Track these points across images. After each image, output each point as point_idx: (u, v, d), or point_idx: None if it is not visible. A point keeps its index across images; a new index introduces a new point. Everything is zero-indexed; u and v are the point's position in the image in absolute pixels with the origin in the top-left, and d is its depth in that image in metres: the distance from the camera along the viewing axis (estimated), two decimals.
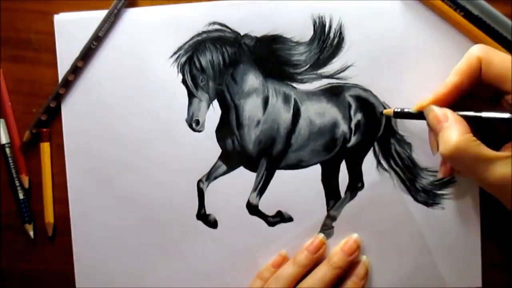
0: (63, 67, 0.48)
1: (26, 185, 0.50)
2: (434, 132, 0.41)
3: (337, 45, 0.47)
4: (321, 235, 0.48)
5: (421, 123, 0.46)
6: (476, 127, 0.40)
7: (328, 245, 0.48)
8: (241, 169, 0.49)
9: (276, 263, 0.48)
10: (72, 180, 0.50)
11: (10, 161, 0.50)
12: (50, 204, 0.50)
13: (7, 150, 0.50)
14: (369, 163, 0.48)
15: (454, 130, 0.38)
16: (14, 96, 0.50)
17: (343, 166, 0.48)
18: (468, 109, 0.40)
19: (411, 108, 0.43)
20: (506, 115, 0.39)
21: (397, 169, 0.48)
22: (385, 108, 0.47)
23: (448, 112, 0.40)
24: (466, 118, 0.40)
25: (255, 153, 0.48)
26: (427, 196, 0.48)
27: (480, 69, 0.40)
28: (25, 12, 0.49)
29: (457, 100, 0.41)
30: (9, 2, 0.49)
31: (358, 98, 0.48)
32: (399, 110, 0.45)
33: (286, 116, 0.48)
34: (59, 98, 0.49)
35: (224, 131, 0.48)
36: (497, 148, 0.39)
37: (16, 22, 0.49)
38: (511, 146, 0.39)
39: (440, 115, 0.40)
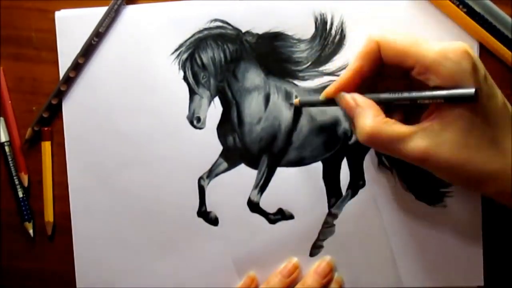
0: (64, 63, 0.48)
1: (25, 183, 0.50)
2: (349, 117, 0.41)
3: (338, 43, 0.47)
4: (295, 259, 0.48)
5: None
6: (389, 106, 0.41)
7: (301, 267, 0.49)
8: (242, 166, 0.48)
9: (245, 285, 0.48)
10: (73, 177, 0.49)
11: (10, 159, 0.50)
12: (50, 203, 0.50)
13: (7, 149, 0.50)
14: (370, 160, 0.48)
15: (365, 116, 0.39)
16: (14, 94, 0.50)
17: (344, 164, 0.48)
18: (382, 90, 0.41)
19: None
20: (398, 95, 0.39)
21: (399, 166, 0.48)
22: None
23: (356, 96, 0.40)
24: (377, 100, 0.40)
25: (256, 150, 0.48)
26: (429, 194, 0.48)
27: (379, 52, 0.40)
28: (25, 10, 0.49)
29: (362, 83, 0.41)
30: (10, 0, 0.49)
31: None
32: (305, 100, 0.46)
33: (287, 113, 0.48)
34: (60, 95, 0.49)
35: (225, 128, 0.48)
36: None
37: (16, 20, 0.49)
38: (426, 117, 0.39)
39: (350, 101, 0.40)
